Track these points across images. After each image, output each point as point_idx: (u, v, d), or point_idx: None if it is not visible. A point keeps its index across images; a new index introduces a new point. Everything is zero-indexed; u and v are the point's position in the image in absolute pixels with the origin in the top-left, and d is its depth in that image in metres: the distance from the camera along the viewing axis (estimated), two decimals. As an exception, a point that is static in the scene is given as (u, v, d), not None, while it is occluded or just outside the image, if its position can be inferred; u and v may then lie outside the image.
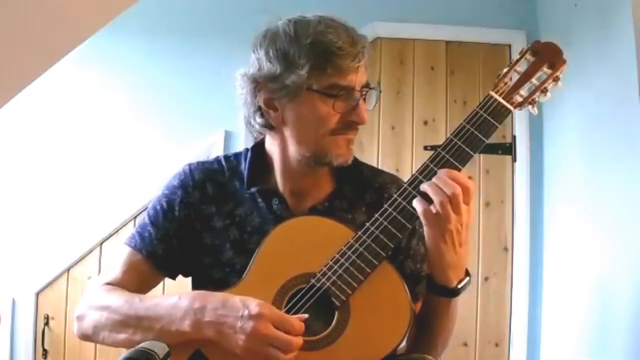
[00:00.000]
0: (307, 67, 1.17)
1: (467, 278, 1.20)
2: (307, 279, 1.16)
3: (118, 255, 1.31)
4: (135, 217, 2.76)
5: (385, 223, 1.15)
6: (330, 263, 1.15)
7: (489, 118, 1.17)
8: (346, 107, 1.20)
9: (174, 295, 1.15)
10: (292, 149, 1.25)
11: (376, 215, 1.16)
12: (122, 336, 1.17)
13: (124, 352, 1.02)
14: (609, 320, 2.06)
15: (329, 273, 1.14)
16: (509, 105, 1.18)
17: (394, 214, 1.15)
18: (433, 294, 1.21)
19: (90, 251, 2.77)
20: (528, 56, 1.21)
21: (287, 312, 1.14)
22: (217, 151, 2.74)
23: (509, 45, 2.91)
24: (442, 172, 1.12)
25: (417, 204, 1.12)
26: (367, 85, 1.23)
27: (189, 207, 1.29)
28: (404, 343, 1.17)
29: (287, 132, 1.25)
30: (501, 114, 1.18)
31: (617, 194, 2.05)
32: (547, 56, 1.20)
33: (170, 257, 1.28)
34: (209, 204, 1.30)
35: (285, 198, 1.28)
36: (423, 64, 2.94)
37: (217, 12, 2.89)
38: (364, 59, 1.20)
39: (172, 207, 1.29)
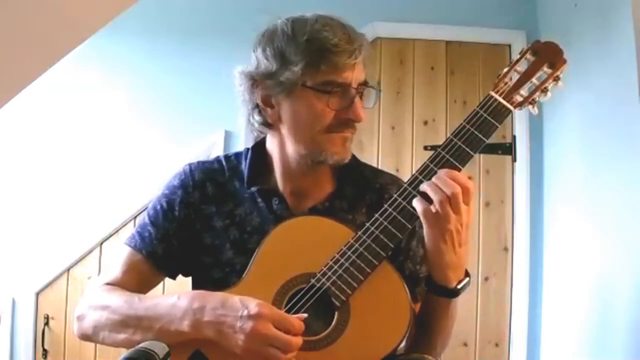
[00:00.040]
0: (302, 64, 1.17)
1: (467, 278, 1.20)
2: (307, 279, 1.16)
3: (118, 255, 1.31)
4: (135, 217, 2.76)
5: (385, 223, 1.15)
6: (330, 263, 1.15)
7: (489, 118, 1.17)
8: (341, 103, 1.20)
9: (174, 295, 1.15)
10: (290, 148, 1.25)
11: (376, 215, 1.16)
12: (122, 336, 1.17)
13: (124, 352, 1.02)
14: (609, 320, 2.06)
15: (329, 273, 1.14)
16: (509, 105, 1.18)
17: (394, 214, 1.15)
18: (433, 294, 1.20)
19: (90, 251, 2.77)
20: (528, 56, 1.21)
21: (287, 312, 1.14)
22: (217, 151, 2.74)
23: (509, 45, 2.91)
24: (442, 172, 1.12)
25: (417, 204, 1.12)
26: (364, 83, 1.23)
27: (189, 207, 1.29)
28: (403, 343, 1.16)
29: (284, 130, 1.25)
30: (501, 113, 1.18)
31: (617, 194, 2.05)
32: (548, 56, 1.20)
33: (170, 257, 1.28)
34: (209, 203, 1.30)
35: (285, 198, 1.28)
36: (423, 64, 2.94)
37: (217, 12, 2.89)
38: (361, 56, 1.20)
39: (172, 207, 1.29)
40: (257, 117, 1.27)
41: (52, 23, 1.42)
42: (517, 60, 1.21)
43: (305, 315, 1.12)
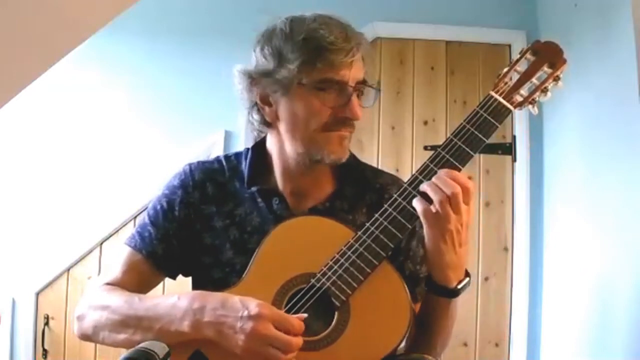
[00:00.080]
0: (298, 62, 1.17)
1: (467, 279, 1.20)
2: (307, 279, 1.16)
3: (118, 255, 1.31)
4: (135, 217, 2.76)
5: (385, 223, 1.15)
6: (330, 263, 1.15)
7: (489, 118, 1.17)
8: (338, 101, 1.20)
9: (174, 295, 1.15)
10: (288, 146, 1.26)
11: (376, 215, 1.16)
12: (122, 336, 1.17)
13: (124, 352, 1.02)
14: (609, 320, 2.06)
15: (329, 273, 1.14)
16: (509, 105, 1.18)
17: (394, 214, 1.15)
18: (433, 294, 1.20)
19: (90, 251, 2.77)
20: (528, 56, 1.21)
21: (287, 312, 1.14)
22: (217, 151, 2.74)
23: (509, 45, 2.91)
24: (442, 172, 1.12)
25: (417, 204, 1.12)
26: (363, 82, 1.23)
27: (189, 207, 1.29)
28: (403, 343, 1.16)
29: (282, 129, 1.25)
30: (501, 113, 1.17)
31: (617, 194, 2.05)
32: (548, 56, 1.20)
33: (170, 257, 1.28)
34: (209, 203, 1.30)
35: (285, 198, 1.28)
36: (423, 64, 2.94)
37: (217, 12, 2.89)
38: (359, 54, 1.20)
39: (172, 207, 1.29)
40: (255, 116, 1.28)
41: (52, 23, 1.42)
42: (517, 60, 1.21)
43: (305, 315, 1.12)
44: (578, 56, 2.23)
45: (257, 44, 1.24)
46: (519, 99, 1.19)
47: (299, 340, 1.09)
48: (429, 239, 1.14)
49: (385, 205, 1.16)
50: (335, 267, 1.14)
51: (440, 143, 1.17)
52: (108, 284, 1.26)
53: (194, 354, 1.14)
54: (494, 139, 1.24)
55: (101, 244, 2.77)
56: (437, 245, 1.13)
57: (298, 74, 1.18)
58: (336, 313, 1.14)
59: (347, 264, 1.14)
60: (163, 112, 2.86)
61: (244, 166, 1.31)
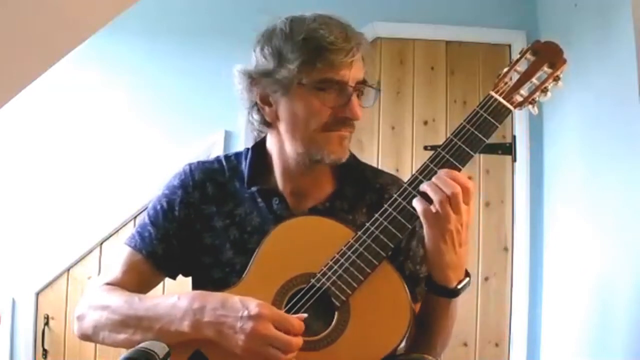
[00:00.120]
0: (298, 62, 1.18)
1: (467, 279, 1.20)
2: (307, 279, 1.16)
3: (118, 255, 1.31)
4: (135, 217, 2.76)
5: (385, 223, 1.15)
6: (330, 263, 1.15)
7: (489, 118, 1.17)
8: (337, 101, 1.20)
9: (174, 295, 1.15)
10: (288, 146, 1.26)
11: (376, 215, 1.16)
12: (122, 336, 1.17)
13: (124, 352, 1.02)
14: (609, 320, 2.06)
15: (329, 273, 1.14)
16: (509, 105, 1.18)
17: (394, 214, 1.15)
18: (433, 294, 1.20)
19: (90, 251, 2.77)
20: (528, 56, 1.21)
21: (287, 312, 1.14)
22: (217, 151, 2.74)
23: (509, 45, 2.91)
24: (442, 172, 1.12)
25: (417, 204, 1.12)
26: (363, 82, 1.23)
27: (189, 207, 1.29)
28: (403, 343, 1.16)
29: (282, 128, 1.25)
30: (501, 113, 1.17)
31: (617, 194, 2.05)
32: (548, 55, 1.20)
33: (170, 257, 1.28)
34: (209, 203, 1.30)
35: (285, 198, 1.28)
36: (423, 64, 2.94)
37: (217, 12, 2.89)
38: (359, 54, 1.20)
39: (172, 207, 1.29)
40: (255, 116, 1.28)
41: (52, 23, 1.42)
42: (517, 60, 1.21)
43: (305, 315, 1.12)
44: (578, 56, 2.23)
45: (257, 44, 1.25)
46: (519, 99, 1.19)
47: (299, 340, 1.09)
48: (429, 239, 1.14)
49: (385, 205, 1.16)
50: (335, 267, 1.14)
51: (440, 143, 1.17)
52: (108, 284, 1.26)
53: (194, 354, 1.14)
54: (494, 139, 1.24)
55: (101, 244, 2.77)
56: (437, 245, 1.13)
57: (298, 74, 1.18)
58: (336, 313, 1.14)
59: (347, 264, 1.14)
60: (163, 112, 2.86)
61: (244, 166, 1.31)
